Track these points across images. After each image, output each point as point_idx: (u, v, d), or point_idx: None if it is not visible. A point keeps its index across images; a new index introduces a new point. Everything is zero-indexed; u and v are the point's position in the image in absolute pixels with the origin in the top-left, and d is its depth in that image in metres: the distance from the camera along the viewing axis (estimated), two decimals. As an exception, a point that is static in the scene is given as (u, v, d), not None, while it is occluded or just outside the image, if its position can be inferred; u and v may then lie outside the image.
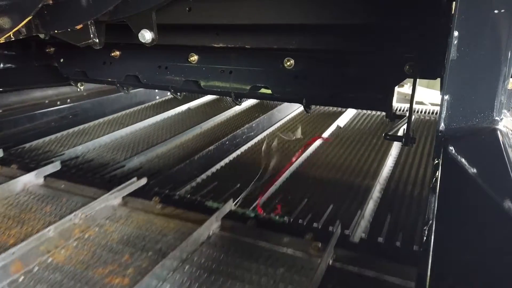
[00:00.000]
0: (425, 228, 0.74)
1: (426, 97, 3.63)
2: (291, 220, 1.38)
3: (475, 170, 0.78)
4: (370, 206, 1.61)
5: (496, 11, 0.81)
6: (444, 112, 0.91)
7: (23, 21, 1.26)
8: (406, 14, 1.29)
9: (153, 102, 3.30)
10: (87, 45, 1.42)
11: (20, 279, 1.10)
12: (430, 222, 0.72)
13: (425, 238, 0.74)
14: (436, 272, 0.58)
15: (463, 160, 0.82)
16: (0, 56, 2.18)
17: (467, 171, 0.79)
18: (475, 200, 0.74)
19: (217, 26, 1.59)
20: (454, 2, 0.86)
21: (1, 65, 2.21)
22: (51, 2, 1.29)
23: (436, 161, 0.88)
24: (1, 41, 1.32)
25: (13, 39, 1.34)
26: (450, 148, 0.86)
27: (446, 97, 0.89)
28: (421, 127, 2.64)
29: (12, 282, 1.09)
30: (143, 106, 3.18)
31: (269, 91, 1.66)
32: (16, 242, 1.24)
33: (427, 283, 0.56)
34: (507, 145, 0.82)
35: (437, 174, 0.83)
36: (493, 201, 0.70)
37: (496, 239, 0.64)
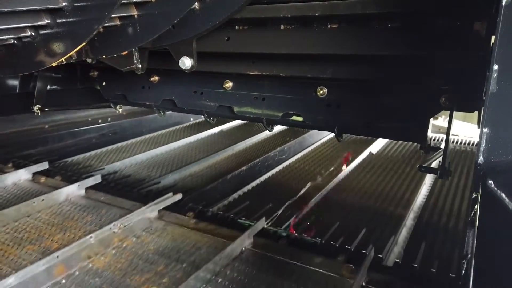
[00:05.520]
0: (463, 261, 0.73)
1: (462, 130, 3.54)
2: (323, 241, 1.38)
3: (516, 206, 0.76)
4: (403, 233, 1.59)
5: (538, 46, 0.81)
6: (483, 145, 0.89)
7: (77, 47, 1.30)
8: (443, 47, 1.29)
9: (188, 124, 3.41)
10: (130, 70, 1.48)
11: (63, 282, 1.16)
12: (469, 256, 0.71)
13: (463, 271, 0.73)
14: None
15: (503, 195, 0.79)
16: (47, 78, 2.32)
17: (507, 206, 0.77)
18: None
19: (254, 55, 1.63)
20: (493, 36, 0.86)
21: (48, 87, 2.36)
22: (101, 29, 1.39)
23: (475, 195, 0.86)
24: (54, 65, 1.41)
25: (64, 63, 1.43)
26: (490, 182, 0.83)
27: (485, 130, 0.87)
28: (456, 157, 2.59)
29: (55, 284, 1.15)
30: (178, 127, 3.30)
31: (300, 119, 1.66)
32: (59, 247, 1.30)
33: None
34: (548, 182, 0.80)
35: (475, 208, 0.82)
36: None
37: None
